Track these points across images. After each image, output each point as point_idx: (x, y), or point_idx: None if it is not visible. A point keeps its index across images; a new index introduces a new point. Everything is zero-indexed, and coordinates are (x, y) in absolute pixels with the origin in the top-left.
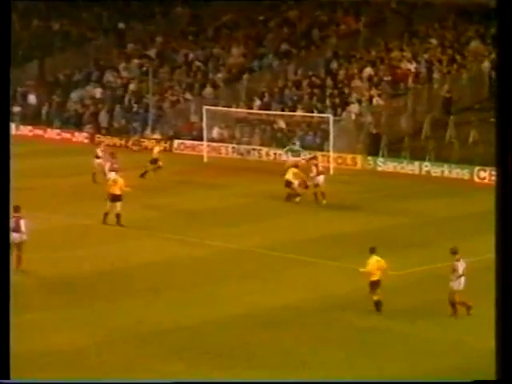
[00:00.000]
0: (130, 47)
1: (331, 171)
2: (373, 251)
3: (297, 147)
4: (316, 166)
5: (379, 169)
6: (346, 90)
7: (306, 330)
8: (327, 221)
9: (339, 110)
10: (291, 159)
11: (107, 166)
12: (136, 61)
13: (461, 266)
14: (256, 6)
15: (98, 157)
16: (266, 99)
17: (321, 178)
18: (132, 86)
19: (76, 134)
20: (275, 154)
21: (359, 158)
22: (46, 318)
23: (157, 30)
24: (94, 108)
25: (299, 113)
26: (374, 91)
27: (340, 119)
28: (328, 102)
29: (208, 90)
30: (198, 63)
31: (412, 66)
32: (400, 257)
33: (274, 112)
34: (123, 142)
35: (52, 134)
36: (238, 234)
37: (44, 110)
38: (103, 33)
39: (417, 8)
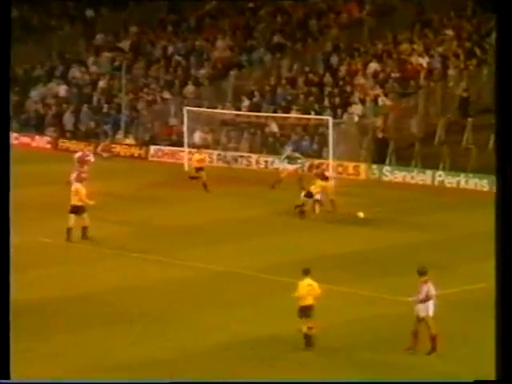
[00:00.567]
0: (99, 38)
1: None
2: (306, 273)
3: (296, 154)
4: (320, 175)
5: (386, 179)
6: (348, 89)
7: (302, 366)
8: (326, 239)
9: (340, 112)
10: (289, 168)
11: (74, 175)
12: (107, 54)
13: (427, 289)
14: None
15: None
16: (255, 99)
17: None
18: (102, 83)
19: (36, 138)
20: (266, 161)
21: (363, 167)
22: None
23: (131, 18)
24: (58, 108)
25: (294, 115)
26: (379, 90)
27: (341, 122)
28: (327, 102)
29: (189, 88)
30: (178, 57)
31: (424, 61)
32: (409, 281)
33: (265, 114)
34: (91, 147)
35: None
36: (222, 253)
37: None
38: (69, 21)
39: None
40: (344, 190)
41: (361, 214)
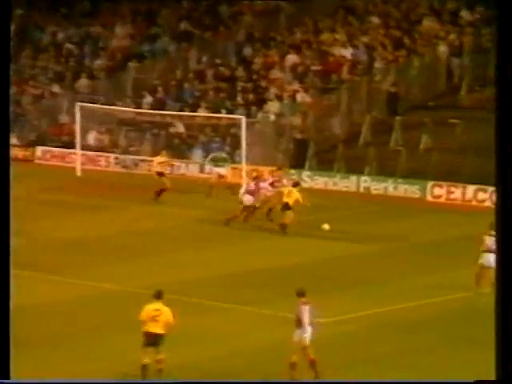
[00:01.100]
0: None
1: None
2: (158, 297)
3: (223, 154)
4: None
5: (305, 185)
6: (264, 84)
7: None
8: (235, 254)
9: (254, 110)
10: (216, 171)
11: None
12: None
13: (306, 312)
14: None
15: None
16: (159, 95)
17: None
18: None
19: None
20: (171, 166)
21: (280, 172)
22: None
23: None
24: None
25: (203, 113)
26: (298, 85)
27: (255, 121)
28: (240, 99)
29: (83, 81)
30: (69, 45)
31: (347, 53)
32: (334, 299)
33: (169, 112)
34: None
35: None
36: (120, 271)
37: None
38: None
39: None
40: None
41: (326, 227)
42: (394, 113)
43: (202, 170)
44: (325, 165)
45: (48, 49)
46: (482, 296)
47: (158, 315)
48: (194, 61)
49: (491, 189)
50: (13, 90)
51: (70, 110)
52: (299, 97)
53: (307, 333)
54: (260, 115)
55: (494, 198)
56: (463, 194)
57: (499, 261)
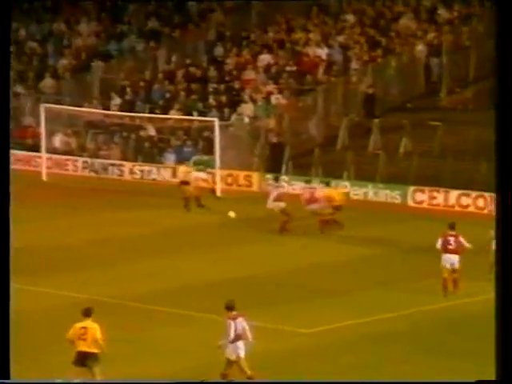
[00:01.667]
0: None
1: (218, 193)
2: (86, 314)
3: (205, 157)
4: None
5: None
6: (237, 85)
7: None
8: (206, 263)
9: (227, 112)
10: (195, 175)
11: None
12: None
13: (235, 326)
14: None
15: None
16: (128, 96)
17: None
18: None
19: None
20: (142, 171)
21: (255, 177)
22: None
23: None
24: None
25: (174, 115)
26: (273, 86)
27: (229, 124)
28: (212, 100)
29: (47, 81)
30: (32, 44)
31: (322, 52)
32: (310, 310)
33: (139, 114)
34: None
35: None
36: (89, 279)
37: None
38: None
39: None
40: (233, 203)
41: (232, 214)
42: (371, 115)
43: (174, 175)
44: (301, 169)
45: None
46: (458, 304)
47: (84, 333)
48: (163, 60)
49: (475, 194)
50: None
51: (34, 111)
52: (274, 98)
53: (240, 348)
54: (233, 117)
55: (478, 203)
56: (446, 199)
57: (499, 260)
